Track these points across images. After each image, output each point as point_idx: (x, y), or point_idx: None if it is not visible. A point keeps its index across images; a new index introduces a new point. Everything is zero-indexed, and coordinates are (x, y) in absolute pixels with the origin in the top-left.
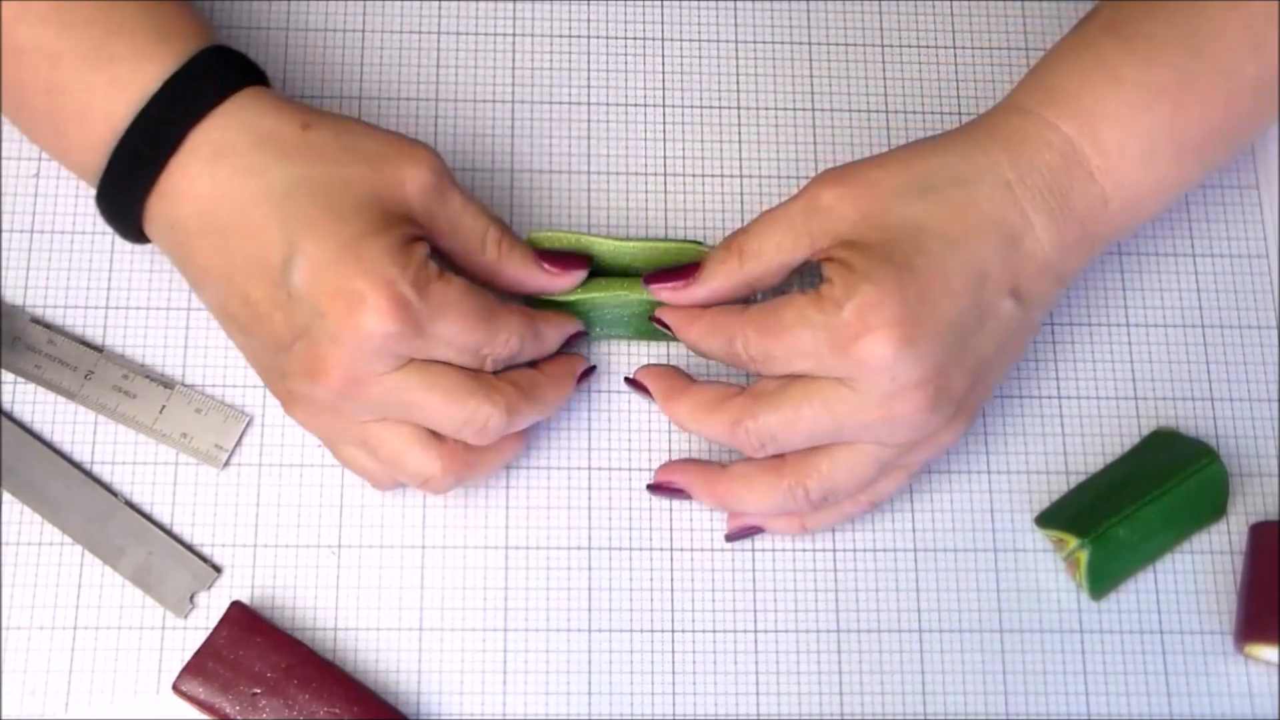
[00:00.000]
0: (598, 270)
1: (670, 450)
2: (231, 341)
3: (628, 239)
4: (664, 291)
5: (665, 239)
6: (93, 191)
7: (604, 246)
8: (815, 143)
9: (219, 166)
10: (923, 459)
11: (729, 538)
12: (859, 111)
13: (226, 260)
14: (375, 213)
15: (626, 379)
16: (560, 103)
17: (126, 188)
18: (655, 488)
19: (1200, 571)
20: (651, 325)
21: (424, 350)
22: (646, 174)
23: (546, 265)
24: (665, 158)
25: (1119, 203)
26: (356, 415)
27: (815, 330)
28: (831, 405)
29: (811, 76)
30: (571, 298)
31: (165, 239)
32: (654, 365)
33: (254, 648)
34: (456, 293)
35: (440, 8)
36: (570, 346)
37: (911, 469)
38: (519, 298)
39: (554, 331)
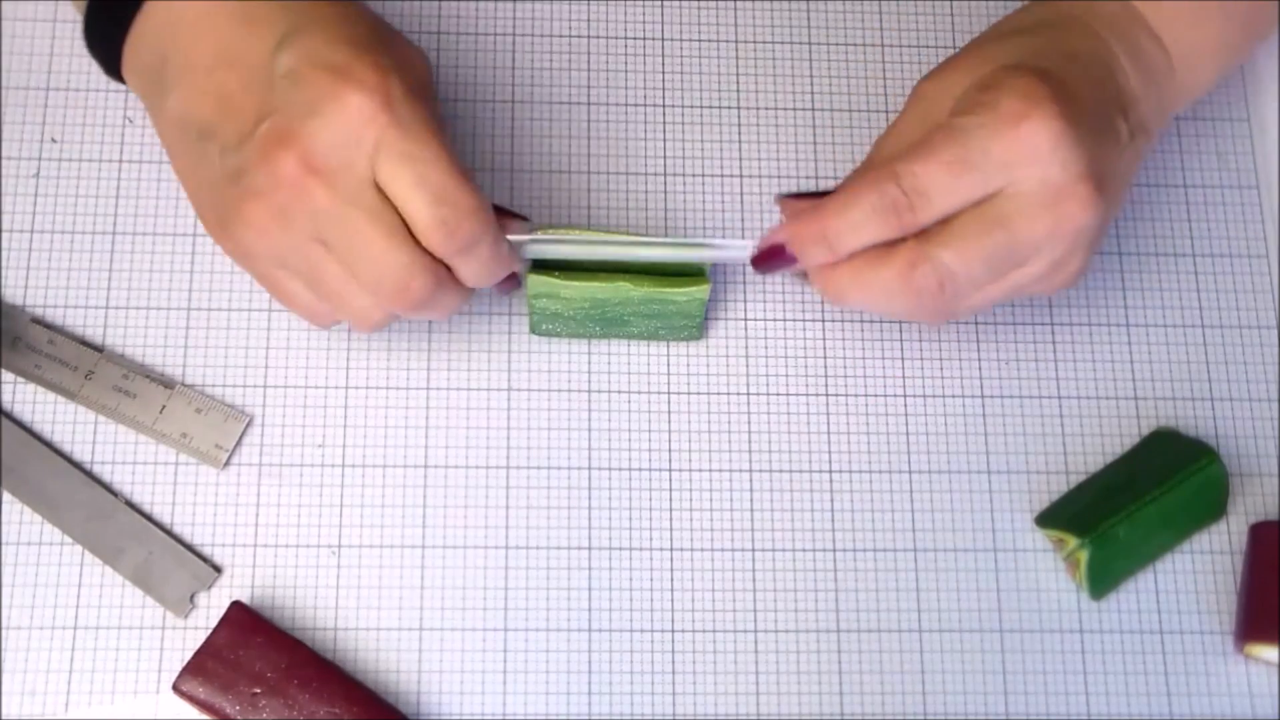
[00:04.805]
0: (598, 267)
1: (670, 450)
2: (176, 171)
3: (629, 233)
4: (805, 203)
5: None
6: (93, 190)
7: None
8: (815, 143)
9: None
10: (1042, 280)
11: (755, 262)
12: (859, 111)
13: (214, 51)
14: (375, 37)
15: (753, 260)
16: (560, 103)
17: None
18: (759, 260)
19: (1200, 571)
20: (654, 325)
21: (391, 157)
22: (646, 174)
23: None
24: (665, 158)
25: (1178, 59)
26: (300, 225)
27: (976, 130)
28: (1004, 221)
29: (811, 76)
30: (572, 292)
31: (154, 38)
32: (790, 225)
33: (254, 648)
34: (439, 127)
35: (440, 8)
36: (572, 353)
37: (1018, 283)
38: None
39: (510, 253)
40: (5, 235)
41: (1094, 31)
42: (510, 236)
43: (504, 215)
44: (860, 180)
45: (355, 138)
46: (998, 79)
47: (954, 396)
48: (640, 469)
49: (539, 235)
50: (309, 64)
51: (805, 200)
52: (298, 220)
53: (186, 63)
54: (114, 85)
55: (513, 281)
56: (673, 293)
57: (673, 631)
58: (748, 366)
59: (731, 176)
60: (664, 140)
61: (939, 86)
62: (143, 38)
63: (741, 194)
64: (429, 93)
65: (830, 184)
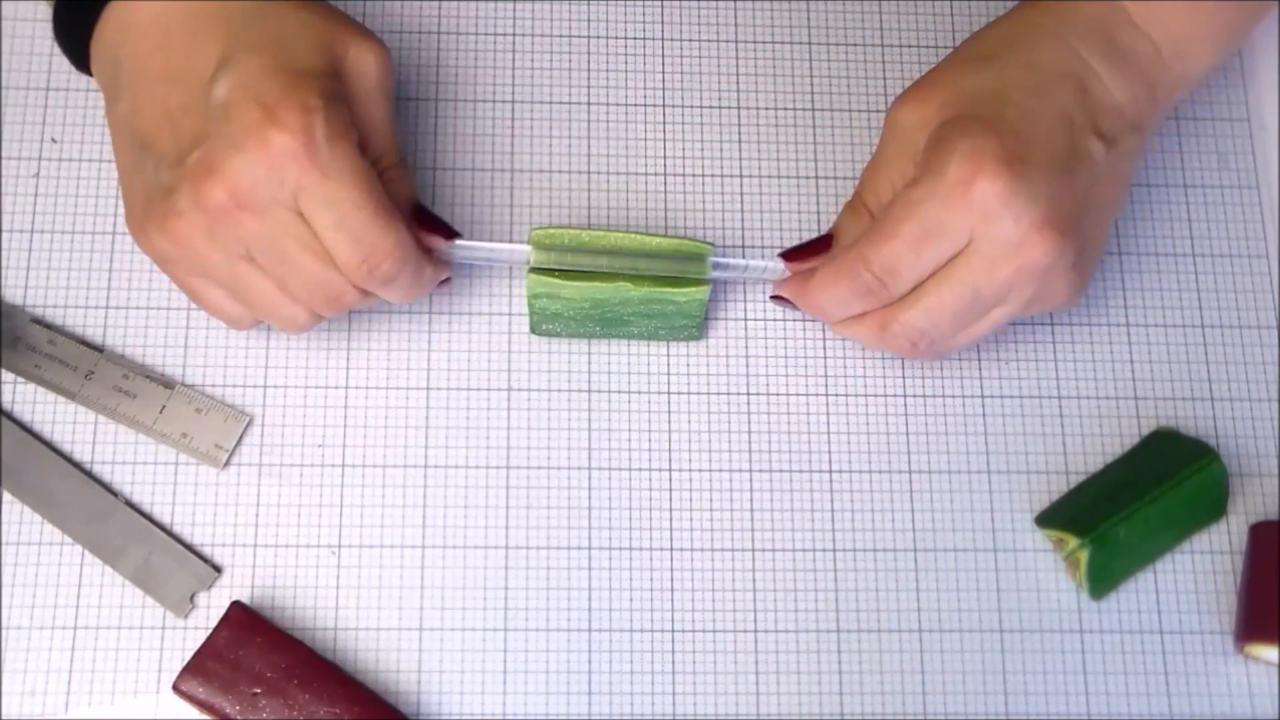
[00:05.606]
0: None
1: (670, 450)
2: (117, 166)
3: (630, 231)
4: (809, 260)
5: (667, 236)
6: (93, 190)
7: (606, 241)
8: (815, 143)
9: None
10: (1028, 309)
11: (773, 299)
12: (859, 111)
13: (161, 64)
14: (318, 59)
15: (771, 297)
16: (560, 103)
17: None
18: (775, 299)
19: (1200, 571)
20: (654, 325)
21: (312, 199)
22: (646, 174)
23: (421, 224)
24: (665, 158)
25: (1169, 49)
26: (227, 244)
27: (927, 203)
28: (966, 277)
29: (811, 76)
30: (572, 292)
31: (111, 42)
32: (790, 286)
33: (254, 648)
34: (364, 166)
35: (440, 8)
36: (572, 353)
37: (997, 320)
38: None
39: (434, 273)
40: (5, 235)
41: (1067, 45)
42: (444, 244)
43: (433, 227)
44: (835, 266)
45: (278, 177)
46: (949, 139)
47: (954, 396)
48: (640, 469)
49: (531, 244)
50: (241, 95)
51: (803, 256)
52: (225, 240)
53: (136, 71)
54: None
55: (445, 285)
56: (673, 293)
57: (673, 631)
58: (748, 366)
59: (731, 176)
60: (664, 140)
61: (912, 116)
62: (103, 40)
63: (741, 194)
64: (385, 92)
65: (829, 183)
